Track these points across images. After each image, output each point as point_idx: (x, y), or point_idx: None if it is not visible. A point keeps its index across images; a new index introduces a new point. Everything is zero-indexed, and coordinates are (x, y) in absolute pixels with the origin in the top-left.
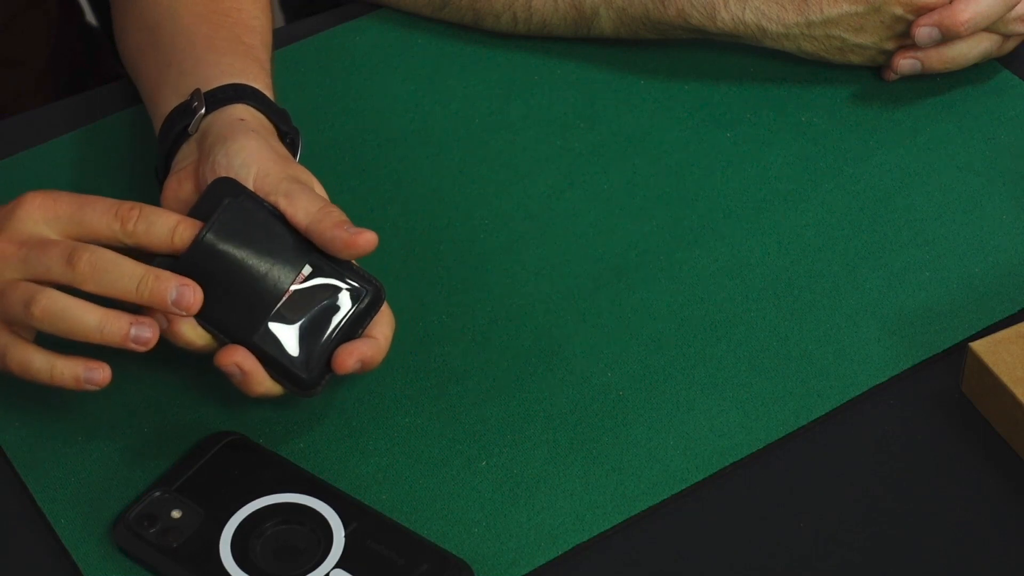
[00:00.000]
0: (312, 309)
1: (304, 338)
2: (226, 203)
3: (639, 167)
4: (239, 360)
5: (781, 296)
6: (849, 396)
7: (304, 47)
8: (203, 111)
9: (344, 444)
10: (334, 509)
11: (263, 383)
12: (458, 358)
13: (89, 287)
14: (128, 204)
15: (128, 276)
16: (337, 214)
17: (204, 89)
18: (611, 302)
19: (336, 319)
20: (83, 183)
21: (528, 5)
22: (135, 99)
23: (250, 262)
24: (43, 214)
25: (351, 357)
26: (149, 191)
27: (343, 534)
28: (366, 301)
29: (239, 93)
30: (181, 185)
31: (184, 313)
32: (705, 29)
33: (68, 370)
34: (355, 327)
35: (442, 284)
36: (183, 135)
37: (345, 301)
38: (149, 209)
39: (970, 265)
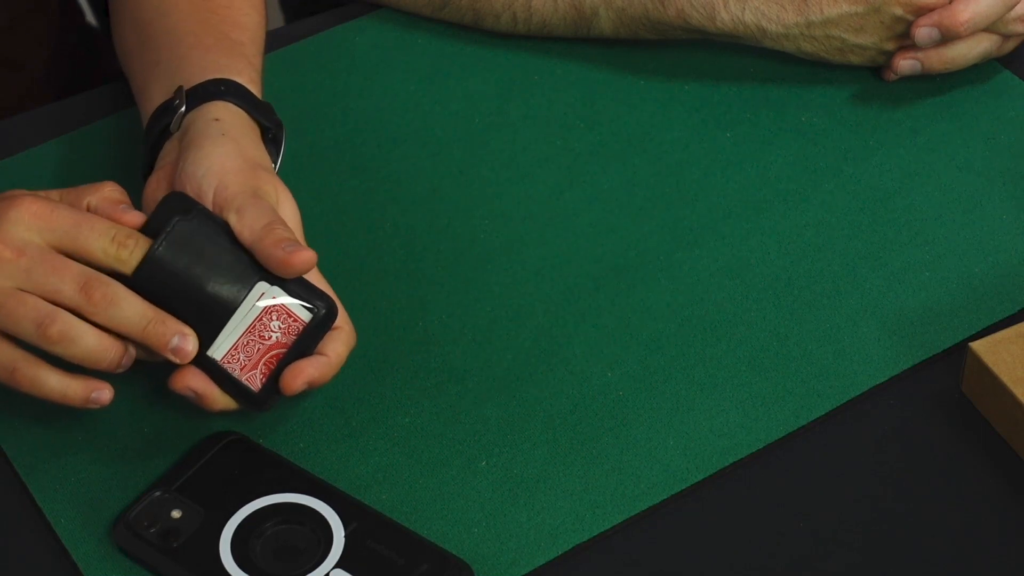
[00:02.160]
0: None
1: None
2: (176, 221)
3: (639, 167)
4: (191, 383)
5: (781, 296)
6: (849, 396)
7: (304, 47)
8: (183, 109)
9: (344, 444)
10: (334, 509)
11: (218, 400)
12: (458, 358)
13: (99, 319)
14: (125, 231)
15: (138, 316)
16: (280, 231)
17: (187, 86)
18: (611, 302)
19: (288, 339)
20: (83, 183)
21: (528, 5)
22: (134, 100)
23: (200, 279)
24: (37, 223)
25: (297, 378)
26: None
27: (343, 534)
28: (318, 320)
29: (220, 89)
30: (159, 185)
31: (178, 361)
32: (704, 29)
33: (80, 391)
34: (307, 345)
35: (442, 284)
36: (166, 134)
37: (297, 321)
38: (145, 240)
39: (970, 265)
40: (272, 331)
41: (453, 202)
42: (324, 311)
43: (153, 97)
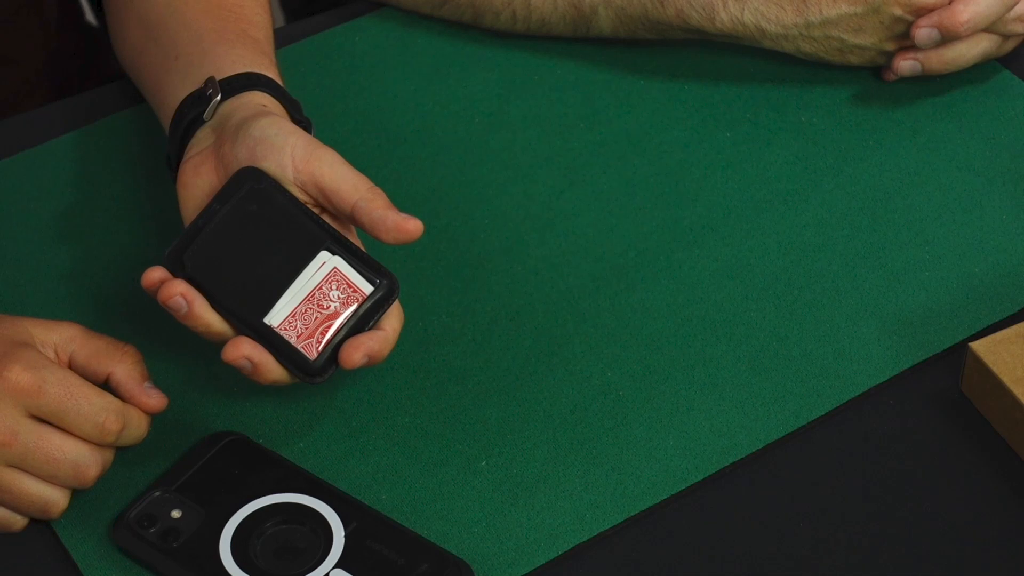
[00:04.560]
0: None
1: None
2: (247, 188)
3: (639, 167)
4: (247, 352)
5: (781, 296)
6: (849, 396)
7: (304, 47)
8: (219, 98)
9: (344, 444)
10: (334, 509)
11: (273, 371)
12: (458, 358)
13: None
14: (112, 416)
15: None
16: (385, 196)
17: (219, 76)
18: (611, 302)
19: (347, 310)
20: (83, 183)
21: (527, 3)
22: (135, 99)
23: (263, 247)
24: (24, 400)
25: (357, 351)
26: (150, 191)
27: (343, 534)
28: (379, 294)
29: (254, 81)
30: (197, 170)
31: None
32: (704, 30)
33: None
34: (365, 320)
35: (442, 284)
36: (197, 122)
37: (357, 292)
38: (133, 420)
39: (970, 265)
40: (331, 300)
41: (453, 202)
42: (386, 285)
43: (173, 89)
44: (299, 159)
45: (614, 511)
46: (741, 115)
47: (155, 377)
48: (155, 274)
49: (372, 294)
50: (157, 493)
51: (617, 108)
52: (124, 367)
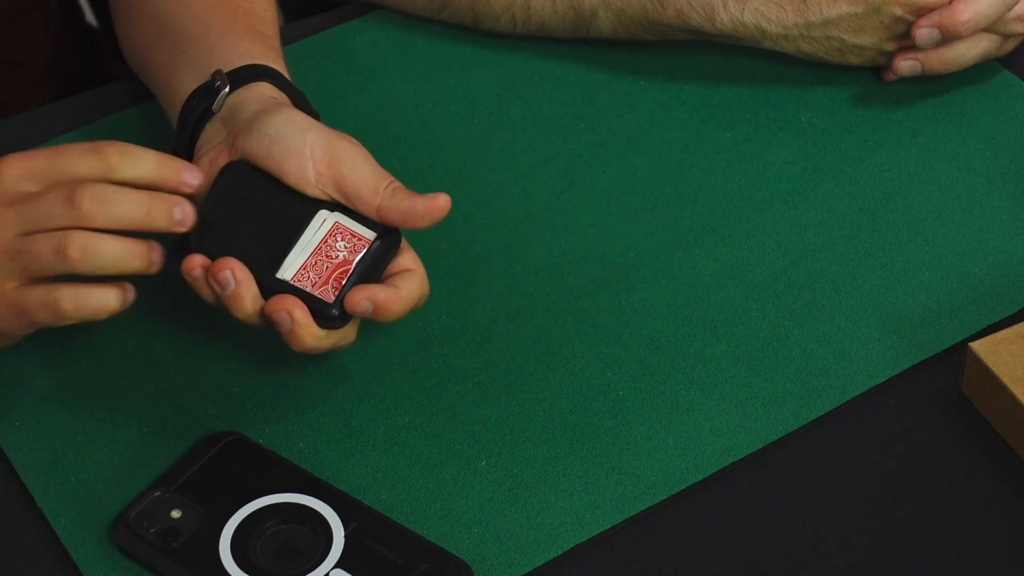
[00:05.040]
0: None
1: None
2: (235, 170)
3: (639, 167)
4: (291, 308)
5: (781, 296)
6: (849, 396)
7: (304, 47)
8: (227, 89)
9: (344, 444)
10: (334, 509)
11: (309, 330)
12: (458, 358)
13: (98, 222)
14: (104, 141)
15: (135, 204)
16: (403, 187)
17: (227, 68)
18: (611, 302)
19: (357, 256)
20: None
21: (527, 7)
22: (135, 99)
23: (262, 217)
24: (21, 172)
25: (360, 295)
26: None
27: (343, 534)
28: (385, 239)
29: (260, 73)
30: (214, 163)
31: (183, 230)
32: (704, 30)
33: (116, 300)
34: (375, 265)
35: (442, 284)
36: (207, 114)
37: (363, 240)
38: (128, 145)
39: (970, 265)
40: (339, 250)
41: (453, 202)
42: (391, 232)
43: (182, 82)
44: (319, 162)
45: (614, 511)
46: (741, 115)
47: (154, 377)
48: (196, 259)
49: (377, 239)
50: (157, 493)
51: (617, 108)
52: (153, 165)
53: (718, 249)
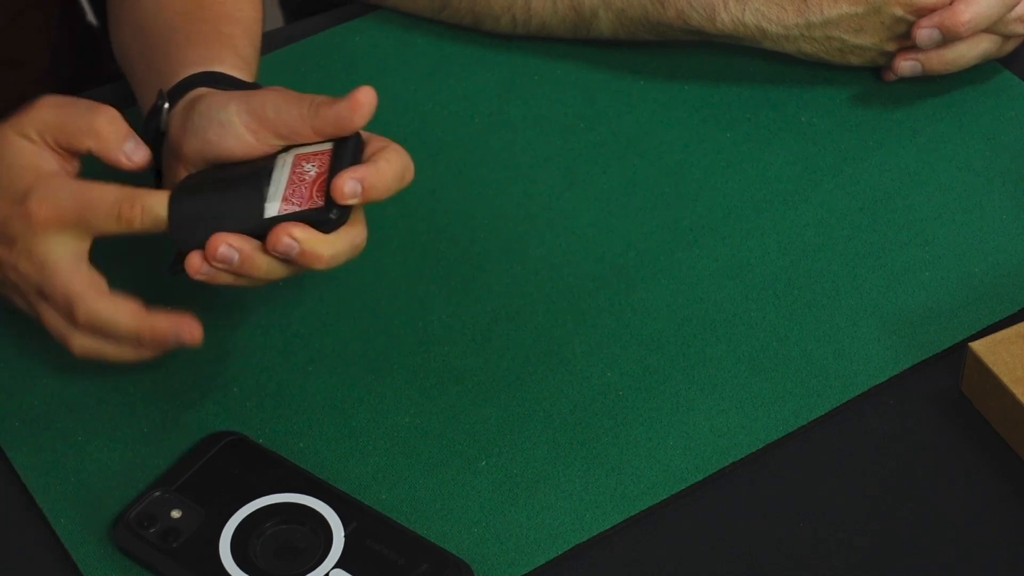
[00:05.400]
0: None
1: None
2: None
3: (639, 167)
4: (292, 231)
5: (781, 296)
6: (849, 396)
7: (304, 47)
8: (167, 106)
9: (344, 444)
10: (334, 509)
11: (321, 244)
12: (458, 358)
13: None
14: (129, 202)
15: (122, 333)
16: (326, 98)
17: (168, 85)
18: (611, 302)
19: (328, 164)
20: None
21: (527, 7)
22: (135, 99)
23: (228, 186)
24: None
25: (345, 178)
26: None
27: (343, 534)
28: (347, 141)
29: (201, 80)
30: (174, 182)
31: (130, 165)
32: (704, 30)
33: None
34: (347, 163)
35: (442, 284)
36: (160, 136)
37: (326, 152)
38: (148, 203)
39: (970, 265)
40: (309, 171)
41: (453, 202)
42: (344, 136)
43: (146, 100)
44: (249, 122)
45: (614, 511)
46: (741, 115)
47: (154, 376)
48: (195, 260)
49: (339, 143)
50: (157, 493)
51: (617, 108)
52: (98, 138)
53: (718, 249)
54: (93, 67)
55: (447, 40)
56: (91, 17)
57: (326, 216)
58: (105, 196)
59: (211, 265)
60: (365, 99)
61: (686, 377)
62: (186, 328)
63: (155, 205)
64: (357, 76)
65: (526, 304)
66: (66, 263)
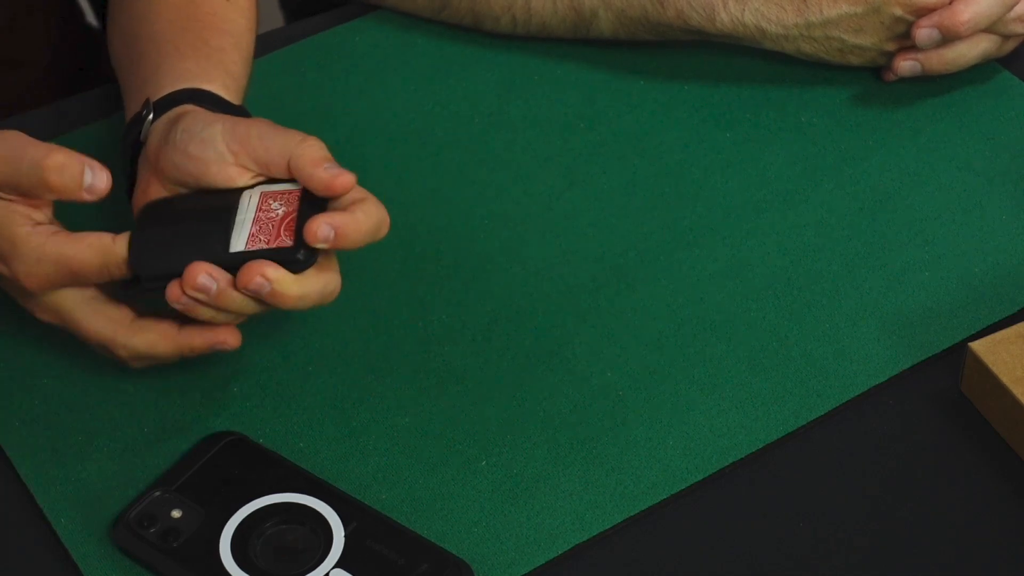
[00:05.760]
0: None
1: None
2: (149, 203)
3: (639, 167)
4: (262, 270)
5: (781, 296)
6: (849, 396)
7: (304, 47)
8: (151, 117)
9: (344, 444)
10: (334, 509)
11: (291, 285)
12: (458, 358)
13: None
14: (115, 265)
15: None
16: (316, 148)
17: (155, 97)
18: (611, 302)
19: (294, 205)
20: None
21: (527, 7)
22: None
23: (193, 220)
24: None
25: (320, 222)
26: None
27: (343, 534)
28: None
29: (189, 97)
30: (146, 192)
31: (91, 199)
32: (704, 30)
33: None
34: (316, 209)
35: (442, 284)
36: (139, 145)
37: (294, 193)
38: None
39: (970, 265)
40: (275, 209)
41: (453, 202)
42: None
43: (130, 108)
44: (232, 142)
45: (614, 511)
46: (741, 115)
47: (154, 376)
48: (176, 289)
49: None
50: (157, 493)
51: (617, 108)
52: (54, 192)
53: (718, 249)
54: (93, 67)
55: (447, 40)
56: (91, 18)
57: (293, 256)
58: (89, 261)
59: (188, 295)
60: (341, 186)
61: (686, 377)
62: (222, 338)
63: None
64: (357, 76)
65: (526, 304)
66: (83, 312)
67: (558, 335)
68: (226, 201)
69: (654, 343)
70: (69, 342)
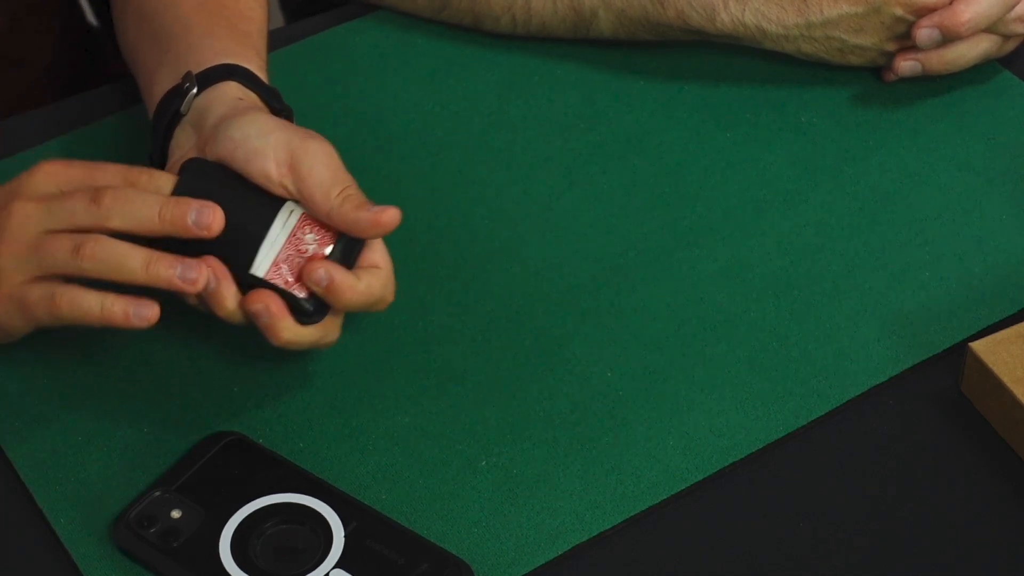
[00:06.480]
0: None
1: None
2: (193, 163)
3: (639, 167)
4: (267, 301)
5: (781, 296)
6: (849, 396)
7: (304, 47)
8: (195, 91)
9: (344, 444)
10: (334, 509)
11: (287, 327)
12: (458, 358)
13: (115, 222)
14: (137, 168)
15: (151, 204)
16: (356, 196)
17: (197, 71)
18: (611, 302)
19: (325, 249)
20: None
21: (527, 7)
22: (135, 99)
23: (232, 201)
24: (55, 179)
25: (320, 267)
26: None
27: (343, 534)
28: (347, 235)
29: (231, 72)
30: None
31: (206, 234)
32: (704, 31)
33: (119, 305)
34: (347, 255)
35: (442, 284)
36: (176, 118)
37: (331, 231)
38: (157, 173)
39: (970, 265)
40: (308, 243)
41: (453, 202)
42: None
43: (161, 84)
44: (281, 162)
45: (614, 511)
46: (741, 115)
47: (154, 376)
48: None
49: (341, 236)
50: (157, 493)
51: (617, 108)
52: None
53: (718, 249)
54: (93, 67)
55: (447, 40)
56: (91, 18)
57: (306, 309)
58: (114, 164)
59: (196, 268)
60: (388, 220)
61: (686, 377)
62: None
63: (159, 178)
64: (357, 76)
65: (526, 304)
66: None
67: (558, 335)
68: (265, 210)
69: (654, 343)
70: (69, 342)
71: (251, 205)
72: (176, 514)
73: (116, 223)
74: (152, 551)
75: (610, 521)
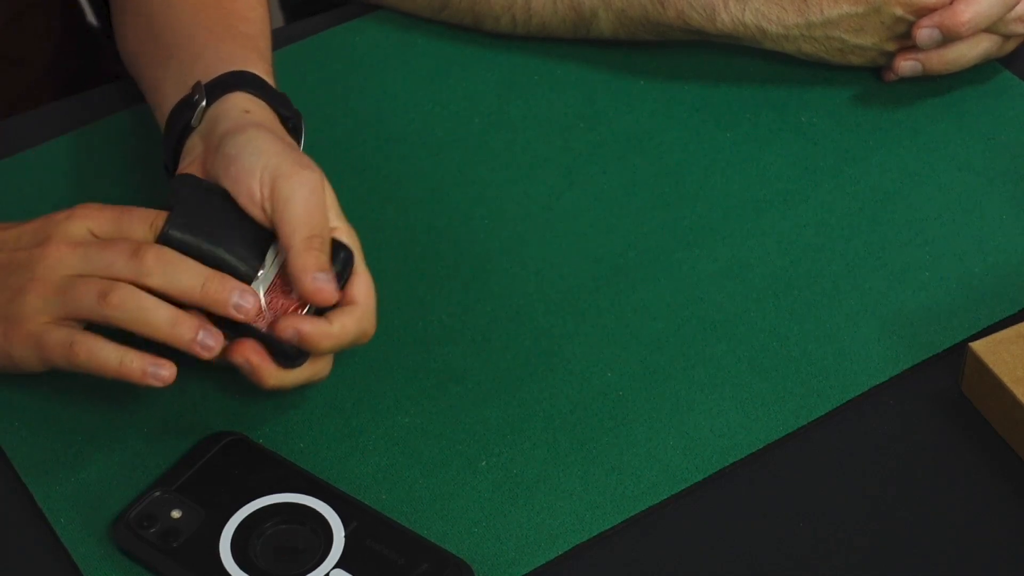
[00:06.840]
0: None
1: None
2: (183, 192)
3: (639, 167)
4: (248, 354)
5: (781, 296)
6: (849, 396)
7: (304, 47)
8: (204, 103)
9: (344, 444)
10: (334, 509)
11: (272, 375)
12: (458, 358)
13: (155, 280)
14: (164, 216)
15: (196, 275)
16: (318, 249)
17: (204, 80)
18: (611, 302)
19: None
20: (83, 183)
21: (527, 7)
22: (135, 99)
23: (221, 244)
24: (88, 223)
25: (288, 323)
26: (149, 191)
27: (343, 534)
28: (336, 267)
29: (238, 80)
30: None
31: (242, 318)
32: (704, 31)
33: (137, 363)
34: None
35: (442, 284)
36: (188, 129)
37: None
38: None
39: (970, 265)
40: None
41: (453, 202)
42: (342, 258)
43: (168, 94)
44: (265, 186)
45: (614, 511)
46: (741, 115)
47: None
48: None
49: (334, 250)
50: (157, 493)
51: (617, 108)
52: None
53: (718, 249)
54: (93, 67)
55: (447, 40)
56: (91, 18)
57: (288, 353)
58: (142, 210)
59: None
60: (321, 300)
61: (686, 377)
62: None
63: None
64: (357, 76)
65: (526, 304)
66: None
67: (558, 335)
68: (255, 245)
69: (654, 343)
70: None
71: (239, 247)
72: (176, 514)
73: (155, 282)
74: (152, 551)
75: (610, 521)
